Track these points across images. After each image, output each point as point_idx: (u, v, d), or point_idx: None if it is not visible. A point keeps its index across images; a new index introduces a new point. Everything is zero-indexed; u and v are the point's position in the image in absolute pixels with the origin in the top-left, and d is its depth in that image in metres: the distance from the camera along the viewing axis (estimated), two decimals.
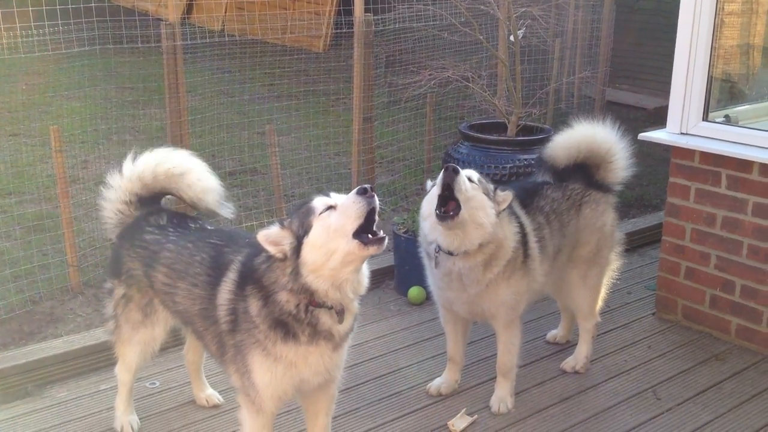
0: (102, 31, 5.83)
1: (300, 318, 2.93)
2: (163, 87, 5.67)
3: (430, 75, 6.16)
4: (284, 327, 2.95)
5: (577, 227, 4.22)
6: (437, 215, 3.55)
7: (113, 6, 8.76)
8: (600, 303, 4.49)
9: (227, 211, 3.71)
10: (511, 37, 6.46)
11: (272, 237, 2.93)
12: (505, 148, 5.73)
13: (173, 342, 4.22)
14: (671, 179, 4.94)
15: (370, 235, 2.84)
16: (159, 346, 3.70)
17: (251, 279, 3.00)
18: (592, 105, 9.58)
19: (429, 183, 3.91)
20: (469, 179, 3.63)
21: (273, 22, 8.39)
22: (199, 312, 3.26)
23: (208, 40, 6.81)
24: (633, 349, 4.71)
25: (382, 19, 7.55)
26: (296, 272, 2.89)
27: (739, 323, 4.72)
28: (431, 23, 7.85)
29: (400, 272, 5.42)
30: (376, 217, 2.87)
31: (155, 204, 3.69)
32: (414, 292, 5.23)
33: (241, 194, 6.92)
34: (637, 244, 6.15)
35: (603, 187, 4.33)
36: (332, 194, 2.97)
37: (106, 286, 3.75)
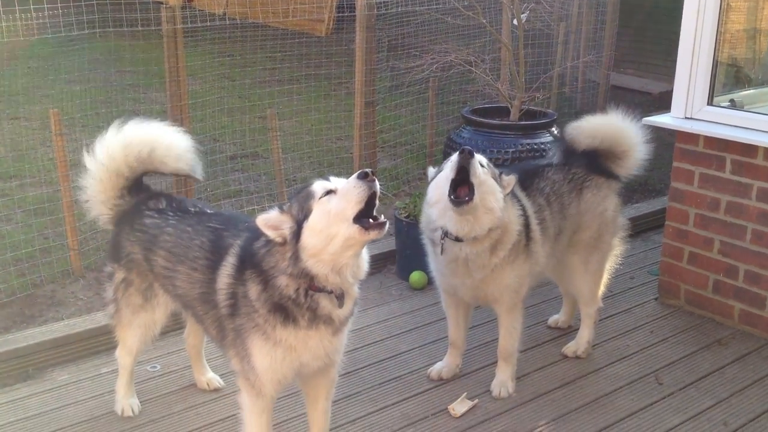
0: (102, 14, 5.79)
1: (299, 302, 2.91)
2: (164, 71, 5.65)
3: (432, 59, 6.12)
4: (284, 311, 2.93)
5: (578, 211, 4.19)
6: (452, 200, 3.50)
7: None
8: (602, 288, 4.48)
9: (200, 172, 3.74)
10: (515, 21, 6.41)
11: (271, 221, 2.90)
12: (508, 132, 5.70)
13: (174, 326, 4.21)
14: (675, 164, 4.91)
15: (371, 220, 2.81)
16: (159, 329, 3.70)
17: (250, 263, 2.98)
18: (596, 90, 9.53)
19: (431, 170, 3.89)
20: (480, 164, 3.60)
21: (275, 5, 8.34)
22: (199, 296, 3.25)
23: (209, 24, 6.76)
24: (635, 334, 4.70)
25: (384, 2, 7.51)
26: (296, 257, 2.87)
27: (742, 308, 4.70)
28: (434, 7, 7.81)
29: (402, 257, 5.40)
30: (377, 202, 2.84)
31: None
32: (415, 276, 5.22)
33: (242, 178, 6.92)
34: (640, 228, 6.12)
35: (607, 174, 4.30)
36: (332, 178, 2.95)
37: (106, 270, 3.73)
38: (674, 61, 4.80)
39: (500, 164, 5.16)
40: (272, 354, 2.99)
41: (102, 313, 4.37)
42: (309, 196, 2.89)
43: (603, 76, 9.34)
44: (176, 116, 5.59)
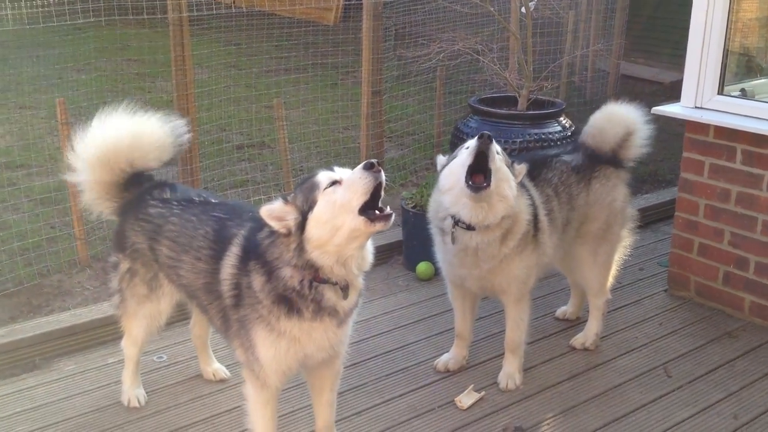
0: (108, 2, 5.76)
1: (304, 294, 2.89)
2: (170, 60, 5.62)
3: (439, 48, 6.07)
4: (288, 303, 2.91)
5: (586, 201, 4.15)
6: (469, 185, 3.47)
7: None
8: (611, 280, 4.44)
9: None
10: (523, 9, 6.35)
11: (276, 212, 2.87)
12: (516, 122, 5.65)
13: (180, 316, 4.20)
14: (685, 154, 4.86)
15: (376, 212, 2.78)
16: (165, 320, 3.68)
17: (254, 254, 2.96)
18: (606, 79, 9.46)
19: (441, 158, 3.85)
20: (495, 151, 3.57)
21: None
22: (203, 286, 3.23)
23: (215, 12, 6.73)
24: (644, 326, 4.66)
25: None
26: (301, 248, 2.84)
27: (753, 300, 4.66)
28: None
29: (409, 247, 5.38)
30: (383, 193, 2.81)
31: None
32: (422, 267, 5.19)
33: (249, 168, 6.90)
34: (650, 220, 6.08)
35: (615, 163, 4.26)
36: (336, 168, 2.92)
37: (111, 260, 3.72)
38: (685, 50, 4.74)
39: (508, 154, 5.11)
40: (276, 345, 2.97)
41: (108, 303, 4.36)
42: (314, 187, 2.86)
43: (613, 66, 9.26)
44: (182, 105, 5.57)
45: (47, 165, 6.47)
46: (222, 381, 3.99)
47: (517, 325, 3.97)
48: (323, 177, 2.88)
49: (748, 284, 4.67)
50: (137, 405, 3.77)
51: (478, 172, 3.49)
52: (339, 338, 3.05)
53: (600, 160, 4.20)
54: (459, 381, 4.04)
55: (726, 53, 4.65)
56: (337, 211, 2.78)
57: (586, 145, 4.24)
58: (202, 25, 7.91)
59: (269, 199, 3.35)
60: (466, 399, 3.85)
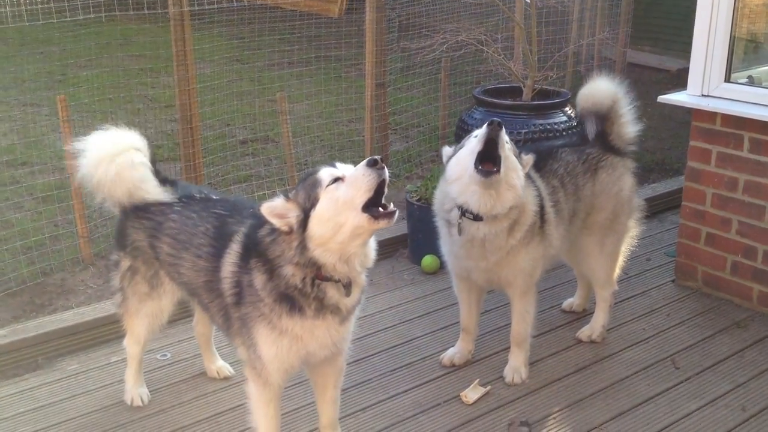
0: None
1: (306, 292, 2.86)
2: (172, 55, 5.58)
3: (443, 39, 6.02)
4: (290, 301, 2.88)
5: (592, 192, 4.11)
6: (479, 171, 3.43)
7: None
8: (617, 271, 4.40)
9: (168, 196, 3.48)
10: None
11: (277, 209, 2.84)
12: (520, 112, 5.59)
13: (183, 313, 4.19)
14: (692, 143, 4.80)
15: (380, 209, 2.75)
16: (167, 318, 3.67)
17: (255, 252, 2.93)
18: (612, 68, 9.35)
19: (446, 148, 3.81)
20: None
21: None
22: (204, 284, 3.21)
23: (216, 6, 6.68)
24: (651, 317, 4.62)
25: None
26: (303, 246, 2.80)
27: (762, 290, 4.60)
28: None
29: (414, 241, 5.34)
30: (386, 190, 2.77)
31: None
32: (427, 261, 5.16)
33: (253, 163, 6.86)
34: (656, 209, 6.02)
35: (619, 151, 4.21)
36: (338, 164, 2.88)
37: (112, 258, 3.70)
38: (691, 37, 4.68)
39: None
40: (278, 343, 2.94)
41: (111, 301, 4.34)
42: (316, 184, 2.83)
43: (619, 54, 9.17)
44: (184, 101, 5.54)
45: (50, 163, 6.46)
46: (226, 379, 3.98)
47: (522, 318, 3.94)
48: (325, 174, 2.84)
49: (756, 274, 4.61)
50: (140, 404, 3.76)
51: (487, 160, 3.45)
52: (341, 336, 3.02)
53: (599, 138, 4.17)
54: (465, 375, 4.01)
55: (733, 40, 4.59)
56: (340, 209, 2.75)
57: (582, 116, 4.21)
58: (204, 20, 7.87)
59: (273, 194, 3.30)
60: (472, 394, 3.82)
